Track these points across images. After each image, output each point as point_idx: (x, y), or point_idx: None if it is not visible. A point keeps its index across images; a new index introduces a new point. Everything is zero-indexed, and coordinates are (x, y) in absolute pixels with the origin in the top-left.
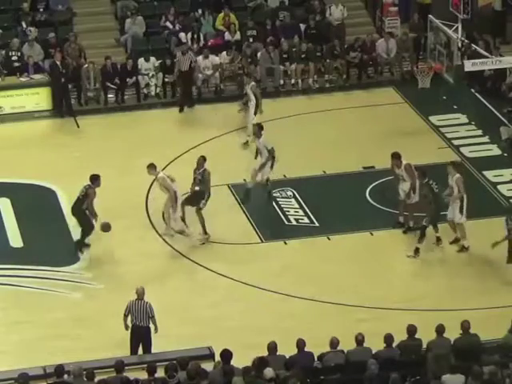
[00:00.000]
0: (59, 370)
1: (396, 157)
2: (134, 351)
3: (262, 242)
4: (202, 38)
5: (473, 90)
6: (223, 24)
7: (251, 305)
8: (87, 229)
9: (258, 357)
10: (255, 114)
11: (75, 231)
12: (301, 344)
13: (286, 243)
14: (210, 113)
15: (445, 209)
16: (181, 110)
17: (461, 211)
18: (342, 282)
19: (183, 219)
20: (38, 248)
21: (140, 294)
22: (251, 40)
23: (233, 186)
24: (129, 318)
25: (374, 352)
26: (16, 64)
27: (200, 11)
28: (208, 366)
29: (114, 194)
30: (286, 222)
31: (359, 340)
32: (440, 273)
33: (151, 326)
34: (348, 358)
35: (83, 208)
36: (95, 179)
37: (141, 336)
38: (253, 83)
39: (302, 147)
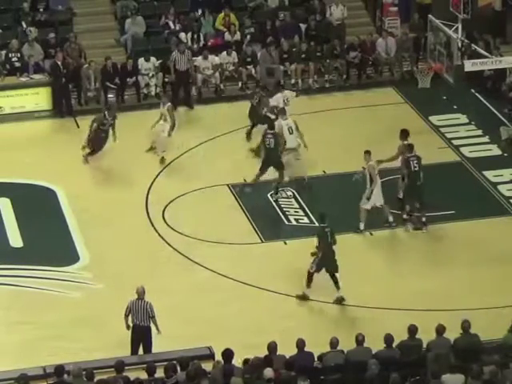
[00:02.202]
0: (59, 369)
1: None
2: (134, 351)
3: (262, 242)
4: (202, 38)
5: (473, 90)
6: (223, 24)
7: (251, 305)
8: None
9: (262, 356)
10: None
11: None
12: (301, 344)
13: (285, 243)
14: (209, 113)
15: (417, 190)
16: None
17: (368, 198)
18: (341, 281)
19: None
20: (38, 248)
21: (140, 294)
22: (248, 38)
23: (233, 185)
24: (130, 318)
25: (374, 352)
26: (16, 64)
27: (200, 11)
28: (208, 366)
29: (113, 193)
30: (286, 222)
31: (359, 340)
32: (440, 273)
33: (152, 325)
34: (348, 357)
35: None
36: None
37: (141, 336)
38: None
39: (302, 147)
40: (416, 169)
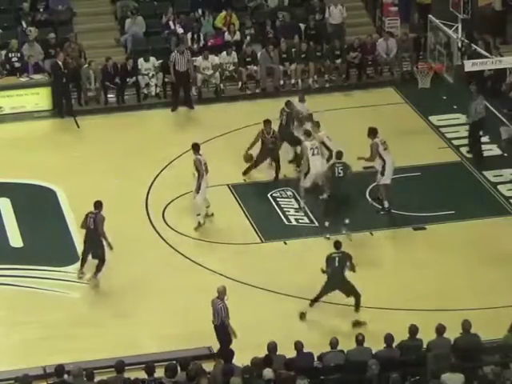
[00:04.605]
0: (59, 369)
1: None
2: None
3: (262, 242)
4: (201, 38)
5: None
6: (224, 23)
7: (251, 305)
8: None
9: (263, 356)
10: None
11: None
12: (299, 346)
13: (285, 243)
14: (209, 113)
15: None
16: (173, 110)
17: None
18: None
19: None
20: (38, 248)
21: (220, 294)
22: (248, 38)
23: (233, 186)
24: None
25: (374, 352)
26: (16, 64)
27: (200, 11)
28: (208, 366)
29: (113, 193)
30: (286, 222)
31: (359, 340)
32: (440, 273)
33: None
34: (348, 358)
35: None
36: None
37: (216, 333)
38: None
39: None
40: (340, 175)
